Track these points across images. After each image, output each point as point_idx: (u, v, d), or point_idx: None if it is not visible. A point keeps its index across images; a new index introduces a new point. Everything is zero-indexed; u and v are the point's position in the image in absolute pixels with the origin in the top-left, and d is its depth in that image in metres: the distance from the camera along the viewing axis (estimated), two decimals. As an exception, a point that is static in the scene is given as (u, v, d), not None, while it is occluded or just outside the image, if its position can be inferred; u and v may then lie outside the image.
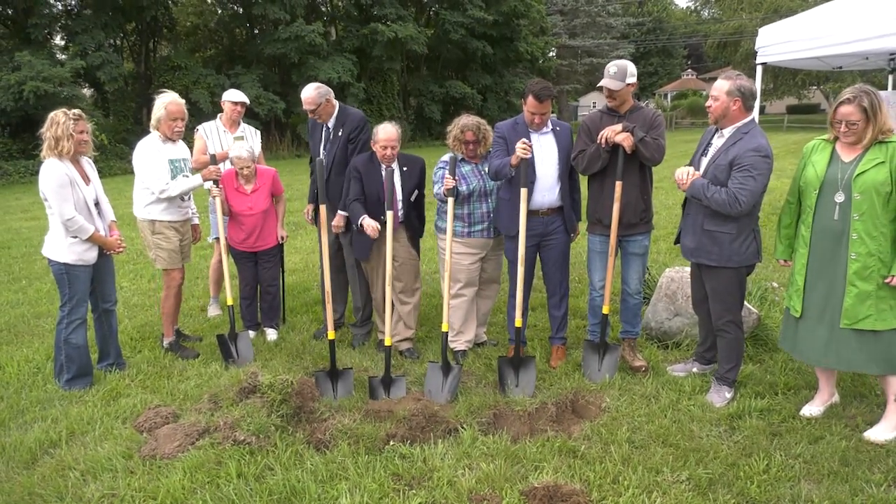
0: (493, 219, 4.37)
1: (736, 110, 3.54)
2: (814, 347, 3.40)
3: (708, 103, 3.66)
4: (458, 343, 4.53)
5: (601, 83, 3.98)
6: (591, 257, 4.26)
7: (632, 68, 3.96)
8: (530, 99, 4.00)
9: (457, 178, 4.19)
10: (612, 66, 3.95)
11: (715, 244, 3.61)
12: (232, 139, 5.32)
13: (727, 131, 3.61)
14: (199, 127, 5.34)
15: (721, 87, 3.56)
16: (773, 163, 3.47)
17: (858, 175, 3.16)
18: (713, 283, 3.72)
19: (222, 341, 4.54)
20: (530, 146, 3.91)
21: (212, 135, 5.32)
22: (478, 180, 4.32)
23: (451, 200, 4.02)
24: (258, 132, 5.72)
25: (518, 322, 4.02)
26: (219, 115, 5.46)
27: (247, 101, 5.50)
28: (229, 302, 4.67)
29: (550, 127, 4.19)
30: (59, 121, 3.83)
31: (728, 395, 3.73)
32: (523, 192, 3.89)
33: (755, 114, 4.21)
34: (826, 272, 3.32)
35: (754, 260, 3.68)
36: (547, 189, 4.13)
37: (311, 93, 4.68)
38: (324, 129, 4.83)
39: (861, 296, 3.20)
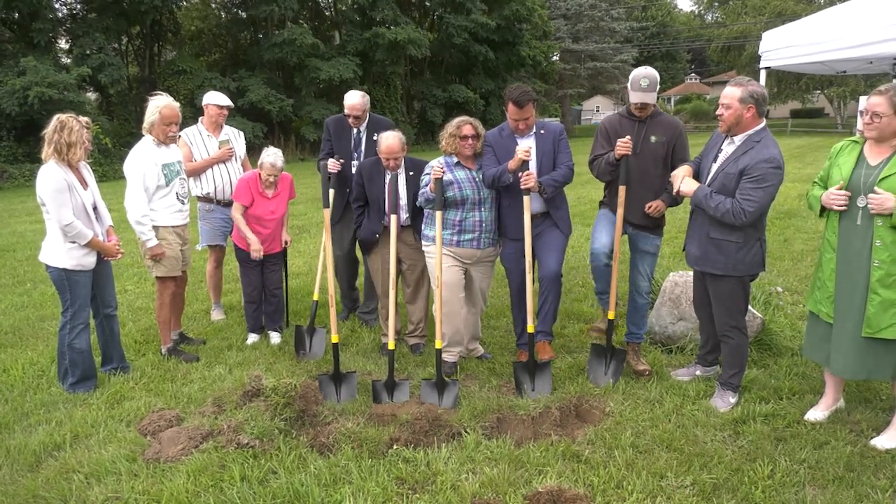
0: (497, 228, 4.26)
1: (749, 117, 3.46)
2: (838, 356, 3.32)
3: (719, 111, 3.54)
4: (450, 355, 4.28)
5: (634, 99, 3.87)
6: (598, 221, 4.22)
7: (657, 74, 3.90)
8: (511, 106, 3.96)
9: (452, 182, 4.11)
10: (643, 79, 3.83)
11: (720, 253, 3.58)
12: (217, 144, 5.23)
13: (738, 139, 3.53)
14: (182, 133, 5.07)
15: (733, 94, 3.44)
16: (784, 173, 3.43)
17: (883, 179, 3.08)
18: (717, 291, 3.71)
19: (299, 333, 4.64)
20: (529, 150, 3.90)
21: (196, 140, 5.18)
22: (472, 188, 4.15)
23: (438, 214, 3.93)
24: (241, 133, 5.58)
25: (530, 328, 3.99)
26: (200, 119, 5.29)
27: (231, 104, 5.40)
28: (315, 297, 4.79)
29: (534, 130, 4.14)
30: (73, 127, 3.81)
31: (732, 400, 3.71)
32: (526, 199, 3.90)
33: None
34: (848, 278, 3.25)
35: (759, 269, 3.66)
36: (534, 194, 4.05)
37: (358, 99, 4.84)
38: (353, 133, 4.96)
39: (884, 304, 3.11)
